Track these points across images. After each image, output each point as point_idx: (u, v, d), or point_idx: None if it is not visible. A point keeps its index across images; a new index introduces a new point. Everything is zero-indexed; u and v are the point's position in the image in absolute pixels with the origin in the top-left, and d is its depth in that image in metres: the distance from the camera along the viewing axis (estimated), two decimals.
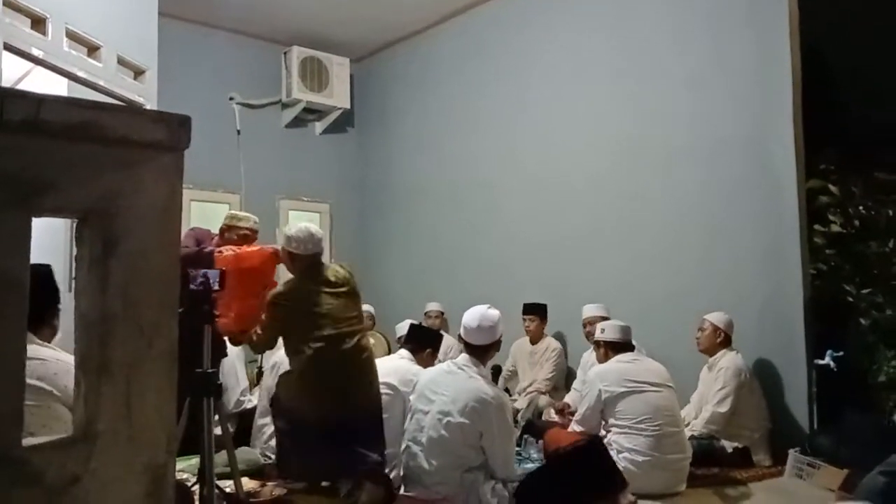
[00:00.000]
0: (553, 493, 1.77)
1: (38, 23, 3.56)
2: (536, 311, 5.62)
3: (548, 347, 5.58)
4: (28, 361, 2.26)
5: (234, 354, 4.85)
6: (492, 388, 3.54)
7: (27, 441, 1.03)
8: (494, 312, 3.65)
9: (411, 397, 3.74)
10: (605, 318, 4.74)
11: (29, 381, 2.26)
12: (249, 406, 4.88)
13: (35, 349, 2.14)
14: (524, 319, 5.59)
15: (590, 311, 5.20)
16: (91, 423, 1.08)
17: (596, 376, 4.02)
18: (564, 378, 5.59)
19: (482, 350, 3.61)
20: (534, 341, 5.65)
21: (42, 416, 2.04)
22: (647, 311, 4.99)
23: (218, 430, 3.34)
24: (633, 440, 3.76)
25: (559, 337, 5.69)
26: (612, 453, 3.83)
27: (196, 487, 3.19)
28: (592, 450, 1.85)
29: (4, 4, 3.30)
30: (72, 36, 3.77)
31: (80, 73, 3.79)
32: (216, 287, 3.14)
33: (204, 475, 3.10)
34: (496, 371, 5.47)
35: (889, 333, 4.82)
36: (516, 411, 4.92)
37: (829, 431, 4.13)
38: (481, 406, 3.37)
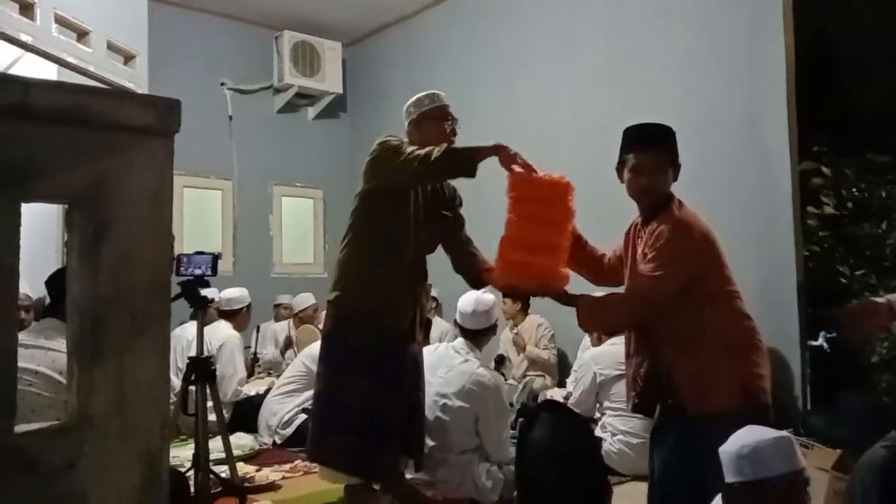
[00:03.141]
0: None
1: (27, 8, 3.52)
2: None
3: (532, 326, 5.46)
4: (59, 355, 2.22)
5: (233, 343, 4.83)
6: (488, 371, 3.55)
7: (19, 427, 1.02)
8: (489, 297, 3.65)
9: None
10: None
11: (52, 374, 2.23)
12: (249, 394, 4.87)
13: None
14: (504, 302, 5.42)
15: None
16: (84, 409, 1.07)
17: (590, 359, 4.04)
18: (556, 357, 5.52)
19: (478, 335, 3.61)
20: (516, 324, 5.57)
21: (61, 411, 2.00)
22: None
23: (212, 416, 3.35)
24: (627, 423, 3.78)
25: (554, 318, 5.61)
26: (607, 436, 3.85)
27: (191, 473, 3.20)
28: None
29: None
30: (61, 21, 3.73)
31: (70, 59, 3.76)
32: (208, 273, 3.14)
33: (199, 461, 3.11)
34: (500, 361, 5.43)
35: None
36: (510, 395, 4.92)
37: (822, 412, 4.15)
38: (479, 388, 3.38)
